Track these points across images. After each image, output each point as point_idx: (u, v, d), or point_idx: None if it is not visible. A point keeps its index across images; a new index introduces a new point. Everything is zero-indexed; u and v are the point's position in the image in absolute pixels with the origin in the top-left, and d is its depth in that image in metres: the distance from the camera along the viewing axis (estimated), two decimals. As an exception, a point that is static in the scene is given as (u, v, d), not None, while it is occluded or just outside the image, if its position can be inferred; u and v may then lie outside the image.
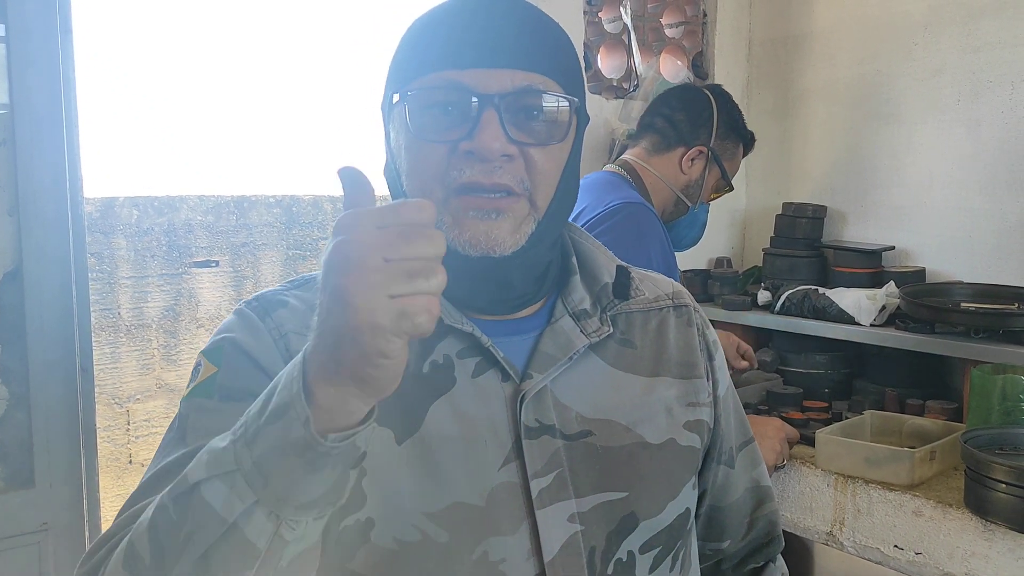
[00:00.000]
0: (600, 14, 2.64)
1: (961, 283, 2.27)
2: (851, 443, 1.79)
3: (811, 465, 1.84)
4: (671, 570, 0.95)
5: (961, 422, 1.91)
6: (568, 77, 0.89)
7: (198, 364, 0.90)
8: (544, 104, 0.85)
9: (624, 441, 0.92)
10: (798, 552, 2.77)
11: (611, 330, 0.95)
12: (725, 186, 2.03)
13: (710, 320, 2.22)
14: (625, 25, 2.63)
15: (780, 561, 1.18)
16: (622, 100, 2.62)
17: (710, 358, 1.04)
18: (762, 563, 1.16)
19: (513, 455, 0.87)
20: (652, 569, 0.92)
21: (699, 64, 2.85)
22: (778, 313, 2.40)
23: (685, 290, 1.08)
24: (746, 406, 2.13)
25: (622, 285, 0.99)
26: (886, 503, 1.70)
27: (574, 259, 0.99)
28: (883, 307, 2.21)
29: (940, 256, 2.41)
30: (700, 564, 1.05)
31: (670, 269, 1.76)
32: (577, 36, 2.55)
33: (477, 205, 0.84)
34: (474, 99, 0.83)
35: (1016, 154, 2.23)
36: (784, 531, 1.92)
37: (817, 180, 2.72)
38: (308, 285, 0.94)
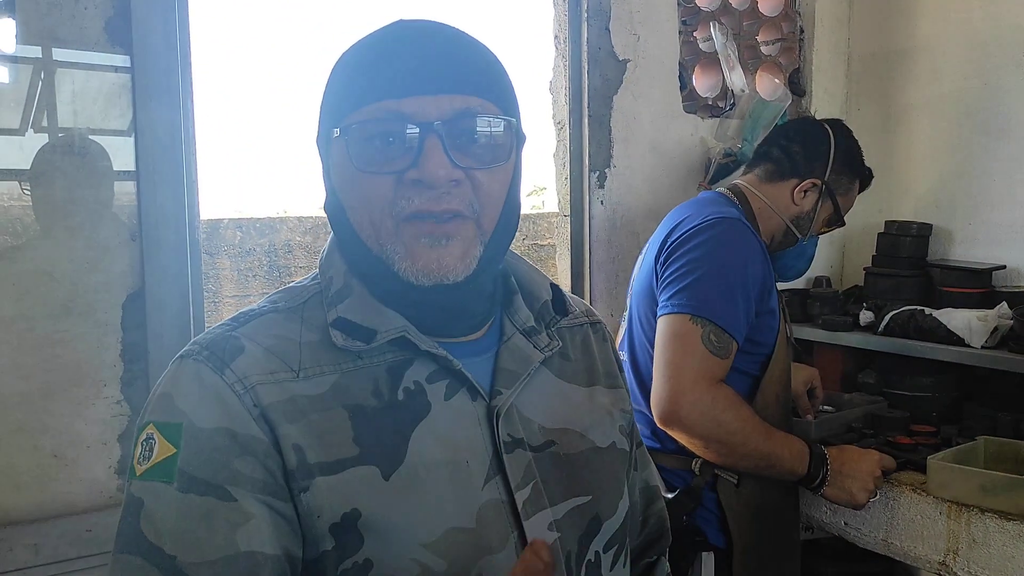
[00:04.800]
0: (695, 33, 2.63)
1: (1079, 304, 2.17)
2: (966, 470, 1.73)
3: (922, 492, 1.78)
4: (624, 566, 1.01)
5: (1083, 449, 1.82)
6: (504, 98, 0.89)
7: (150, 437, 0.82)
8: (483, 127, 0.86)
9: (581, 447, 0.97)
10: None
11: (560, 344, 1.01)
12: (837, 220, 1.97)
13: (811, 340, 2.19)
14: (721, 44, 2.62)
15: (664, 558, 1.22)
16: (717, 119, 2.61)
17: (621, 370, 1.13)
18: (654, 557, 1.20)
19: (493, 472, 0.89)
20: (612, 566, 0.98)
21: (796, 81, 2.81)
22: (881, 334, 2.34)
23: (592, 308, 1.15)
24: (850, 430, 2.10)
25: (559, 301, 1.03)
26: (1003, 533, 1.64)
27: (512, 279, 1.02)
28: (995, 328, 2.14)
29: (1056, 276, 2.31)
30: None
31: (766, 288, 1.73)
32: (672, 55, 2.55)
33: (427, 231, 0.85)
34: (416, 127, 0.83)
35: None
36: (891, 559, 1.87)
37: (921, 197, 2.65)
38: (256, 323, 0.89)
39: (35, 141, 1.77)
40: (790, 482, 1.75)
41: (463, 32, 0.90)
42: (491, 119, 0.86)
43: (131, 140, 1.81)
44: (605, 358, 1.09)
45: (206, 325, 1.94)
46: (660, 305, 1.72)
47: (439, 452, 0.86)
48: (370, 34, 0.89)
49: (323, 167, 0.93)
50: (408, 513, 0.83)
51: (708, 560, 1.74)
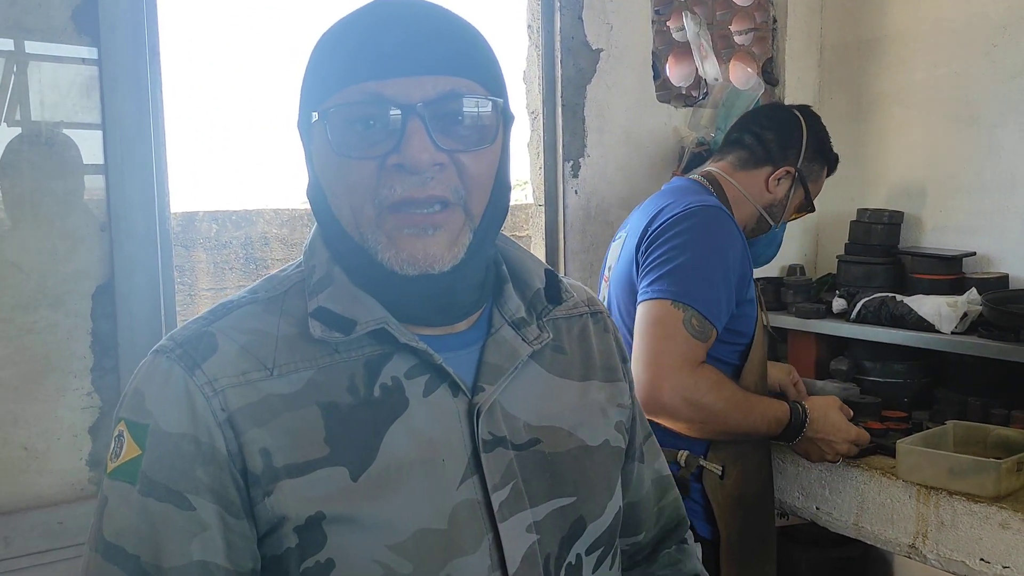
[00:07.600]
0: (668, 23, 2.64)
1: (1047, 289, 2.20)
2: (934, 453, 1.75)
3: (892, 476, 1.80)
4: (610, 568, 0.98)
5: (1049, 432, 1.85)
6: (490, 78, 0.86)
7: (120, 435, 0.83)
8: (469, 108, 0.82)
9: (569, 446, 0.94)
10: (877, 564, 2.71)
11: (551, 336, 0.96)
12: (807, 207, 1.99)
13: (785, 328, 2.17)
14: (694, 33, 2.62)
15: (691, 541, 1.21)
16: (691, 108, 2.62)
17: (623, 360, 1.08)
18: (673, 547, 1.18)
19: (471, 471, 0.86)
20: (595, 569, 0.95)
21: (769, 70, 2.83)
22: (854, 321, 2.36)
23: (596, 297, 1.10)
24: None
25: (553, 288, 0.98)
26: (971, 515, 1.66)
27: (504, 267, 0.98)
28: (964, 314, 2.16)
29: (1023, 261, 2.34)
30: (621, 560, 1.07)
31: (745, 277, 1.74)
32: (645, 45, 2.55)
33: (412, 222, 0.81)
34: (397, 110, 0.79)
35: (1104, 156, 2.16)
36: (865, 544, 1.89)
37: (892, 185, 2.67)
38: (233, 317, 0.88)
39: (8, 134, 1.75)
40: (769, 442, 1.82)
41: (446, 9, 0.86)
42: (477, 100, 0.83)
43: (99, 131, 1.80)
44: (605, 350, 1.05)
45: (177, 316, 1.93)
46: (640, 292, 1.70)
47: (414, 450, 0.84)
48: (350, 13, 0.86)
49: (305, 152, 0.89)
50: (375, 514, 0.81)
51: (696, 551, 1.76)
